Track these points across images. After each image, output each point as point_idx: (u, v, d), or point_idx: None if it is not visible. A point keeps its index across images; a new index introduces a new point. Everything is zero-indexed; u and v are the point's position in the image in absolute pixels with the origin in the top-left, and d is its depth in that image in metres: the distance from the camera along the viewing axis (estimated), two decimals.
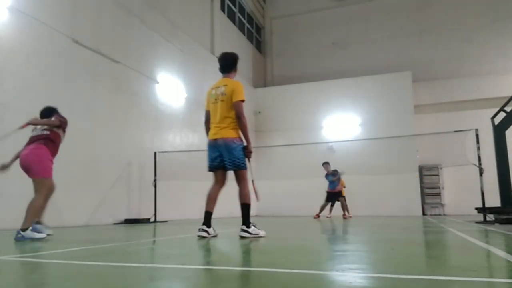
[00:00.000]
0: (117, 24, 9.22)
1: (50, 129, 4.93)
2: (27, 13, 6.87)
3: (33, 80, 6.97)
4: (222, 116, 4.22)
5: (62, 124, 5.06)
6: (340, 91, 16.34)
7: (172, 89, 11.25)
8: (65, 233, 5.66)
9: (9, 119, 6.47)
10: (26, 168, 4.65)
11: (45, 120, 4.95)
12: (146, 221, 9.05)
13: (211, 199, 4.34)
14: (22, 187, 6.55)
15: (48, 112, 5.24)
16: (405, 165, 13.65)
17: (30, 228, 4.38)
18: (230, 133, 4.18)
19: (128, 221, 8.74)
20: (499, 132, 8.18)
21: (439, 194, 15.60)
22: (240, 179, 4.22)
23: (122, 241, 4.33)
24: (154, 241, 4.22)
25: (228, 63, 4.56)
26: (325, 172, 11.47)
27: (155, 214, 9.44)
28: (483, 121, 9.22)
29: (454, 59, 16.43)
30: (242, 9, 17.89)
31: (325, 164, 11.52)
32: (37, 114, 6.96)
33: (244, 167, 4.22)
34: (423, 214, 15.06)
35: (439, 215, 14.92)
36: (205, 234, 4.18)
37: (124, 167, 9.13)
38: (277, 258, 2.75)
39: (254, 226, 4.20)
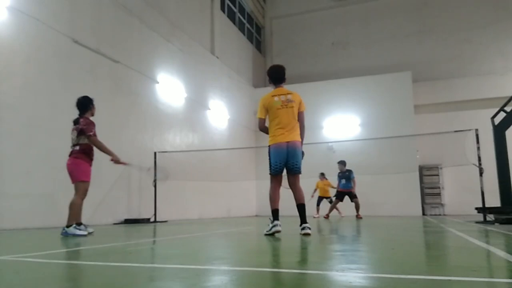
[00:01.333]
0: (117, 24, 9.22)
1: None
2: (27, 13, 6.87)
3: (33, 80, 6.97)
4: (293, 122, 4.54)
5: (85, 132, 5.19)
6: (340, 91, 16.34)
7: (172, 89, 11.25)
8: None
9: (9, 119, 6.48)
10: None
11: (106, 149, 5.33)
12: (146, 221, 9.05)
13: (277, 199, 4.63)
14: (23, 187, 6.58)
15: (84, 105, 5.31)
16: (405, 165, 13.65)
17: (73, 225, 4.98)
18: (299, 138, 4.57)
19: (128, 221, 8.74)
20: (499, 132, 8.18)
21: (439, 194, 15.61)
22: (298, 182, 4.63)
23: (122, 241, 4.33)
24: (154, 241, 4.22)
25: (281, 76, 4.95)
26: (338, 170, 11.46)
27: (155, 214, 9.44)
28: (483, 121, 9.22)
29: (454, 59, 16.43)
30: (242, 9, 17.89)
31: (340, 163, 11.44)
32: (37, 114, 6.98)
33: (301, 171, 4.65)
34: (423, 214, 15.06)
35: (439, 215, 14.92)
36: (308, 230, 4.32)
37: (124, 167, 9.12)
38: (277, 258, 2.75)
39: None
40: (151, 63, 10.47)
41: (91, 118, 5.30)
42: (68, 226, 4.93)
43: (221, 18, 15.15)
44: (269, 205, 4.53)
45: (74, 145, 5.20)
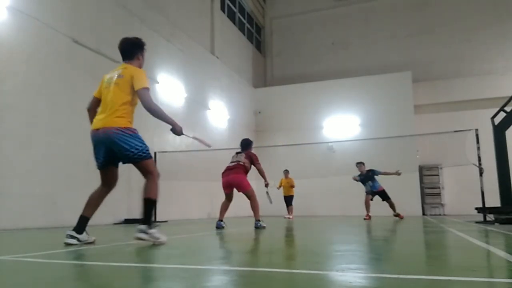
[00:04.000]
0: (117, 24, 9.22)
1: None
2: (27, 13, 6.87)
3: (33, 80, 6.97)
4: (110, 104, 3.71)
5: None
6: (340, 91, 16.35)
7: (172, 89, 11.25)
8: (65, 233, 5.66)
9: (9, 119, 6.48)
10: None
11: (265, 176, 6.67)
12: None
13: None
14: (23, 187, 6.58)
15: (246, 145, 6.71)
16: (405, 165, 13.63)
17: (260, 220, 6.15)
18: (115, 122, 3.66)
19: (128, 221, 8.74)
20: (499, 132, 8.18)
21: (439, 194, 15.61)
22: (145, 170, 3.92)
23: (122, 241, 4.33)
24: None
25: (124, 50, 4.12)
26: (358, 172, 10.87)
27: (155, 214, 9.44)
28: (483, 121, 9.22)
29: (454, 59, 16.43)
30: (242, 9, 17.89)
31: (359, 164, 10.83)
32: (37, 114, 6.98)
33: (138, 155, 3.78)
34: (423, 214, 15.06)
35: (439, 215, 14.93)
36: (141, 234, 3.60)
37: (124, 167, 9.11)
38: (277, 258, 2.75)
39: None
40: (151, 63, 10.46)
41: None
42: (258, 220, 6.16)
43: (221, 18, 15.15)
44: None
45: (237, 161, 6.45)
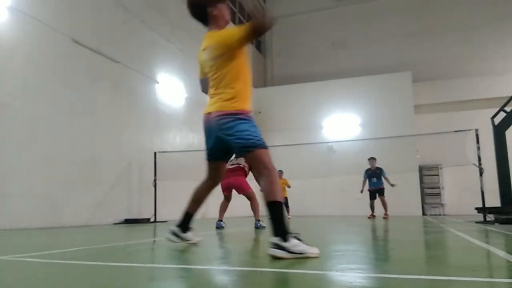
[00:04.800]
0: (117, 24, 9.22)
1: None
2: (27, 13, 6.87)
3: (33, 80, 6.97)
4: (212, 82, 2.97)
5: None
6: (340, 91, 16.35)
7: (172, 89, 11.24)
8: (65, 233, 5.66)
9: (9, 119, 6.48)
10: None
11: None
12: (146, 221, 9.05)
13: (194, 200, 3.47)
14: (23, 187, 6.57)
15: None
16: (405, 165, 13.64)
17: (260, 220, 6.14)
18: (223, 106, 2.84)
19: (128, 221, 8.74)
20: (499, 132, 8.18)
21: (439, 194, 15.61)
22: (259, 163, 2.83)
23: (122, 241, 4.33)
24: (154, 241, 4.22)
25: (195, 12, 3.10)
26: (368, 167, 11.04)
27: (155, 214, 9.44)
28: (483, 121, 9.22)
29: (454, 59, 16.43)
30: (242, 9, 17.89)
31: (372, 159, 11.03)
32: (37, 114, 6.98)
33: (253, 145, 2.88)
34: (423, 214, 15.06)
35: (439, 215, 14.92)
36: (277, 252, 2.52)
37: (124, 167, 9.13)
38: (277, 257, 2.75)
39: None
40: (151, 63, 10.47)
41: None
42: (258, 220, 6.21)
43: None
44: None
45: (237, 164, 6.49)
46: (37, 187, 6.83)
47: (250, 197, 6.31)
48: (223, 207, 6.50)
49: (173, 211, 10.72)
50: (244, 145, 2.71)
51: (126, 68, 9.28)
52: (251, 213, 6.37)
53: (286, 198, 11.97)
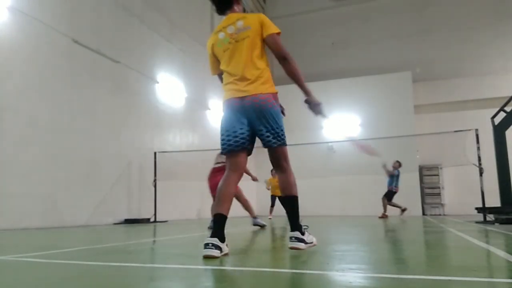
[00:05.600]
0: (117, 24, 9.22)
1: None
2: (27, 13, 6.87)
3: (33, 80, 6.97)
4: (248, 63, 2.86)
5: None
6: (340, 91, 16.34)
7: (172, 89, 11.25)
8: (65, 233, 5.66)
9: (9, 119, 6.48)
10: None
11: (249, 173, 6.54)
12: (146, 221, 9.05)
13: (222, 199, 2.93)
14: (23, 187, 6.57)
15: None
16: (405, 165, 13.63)
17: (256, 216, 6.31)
18: (264, 89, 2.83)
19: (128, 221, 8.74)
20: (499, 132, 8.18)
21: (439, 194, 15.60)
22: (282, 160, 2.92)
23: (122, 241, 4.33)
24: (154, 241, 4.22)
25: None
26: (393, 169, 11.71)
27: (155, 214, 9.44)
28: (483, 121, 9.21)
29: (454, 59, 16.42)
30: (242, 9, 17.89)
31: (398, 162, 11.74)
32: (37, 114, 6.98)
33: (282, 142, 2.88)
34: (423, 214, 15.05)
35: (439, 215, 14.92)
36: (296, 244, 2.70)
37: (124, 167, 9.13)
38: (277, 258, 2.75)
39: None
40: (151, 63, 10.47)
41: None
42: (254, 218, 6.29)
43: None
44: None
45: (220, 163, 6.37)
46: (37, 187, 6.83)
47: (237, 196, 6.15)
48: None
49: (173, 211, 10.75)
50: (277, 139, 2.76)
51: (126, 68, 9.28)
52: (240, 213, 6.39)
53: (274, 197, 11.91)
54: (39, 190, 6.87)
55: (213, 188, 6.25)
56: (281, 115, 2.88)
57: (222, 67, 2.96)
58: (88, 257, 2.73)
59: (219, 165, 6.36)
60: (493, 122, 8.32)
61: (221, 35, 2.94)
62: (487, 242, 3.61)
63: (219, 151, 5.61)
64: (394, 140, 12.88)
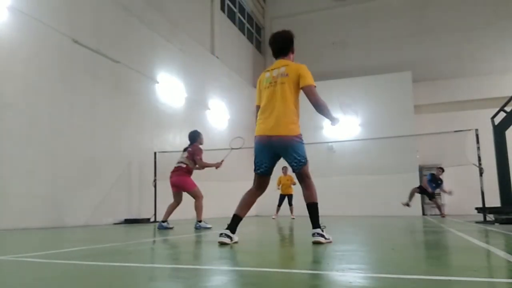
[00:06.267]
0: (117, 24, 9.22)
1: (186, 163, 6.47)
2: (27, 13, 6.87)
3: (33, 80, 6.97)
4: (279, 105, 3.45)
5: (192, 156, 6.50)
6: (340, 91, 16.34)
7: (172, 89, 11.25)
8: (65, 233, 5.66)
9: (9, 119, 6.48)
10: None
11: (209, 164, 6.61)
12: (146, 221, 9.05)
13: (244, 204, 3.73)
14: (23, 187, 6.58)
15: (193, 137, 6.71)
16: (405, 165, 13.65)
17: (202, 221, 6.28)
18: (290, 131, 3.47)
19: (128, 221, 8.74)
20: (499, 132, 8.18)
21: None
22: (305, 177, 3.61)
23: (122, 241, 4.33)
24: (154, 241, 4.22)
25: (281, 45, 3.73)
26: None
27: (155, 214, 9.44)
28: (483, 121, 9.22)
29: (454, 59, 16.43)
30: (242, 9, 17.89)
31: (441, 168, 12.31)
32: (37, 114, 6.98)
33: (304, 163, 3.59)
34: (423, 214, 15.06)
35: (439, 215, 14.91)
36: (319, 238, 3.46)
37: (124, 167, 9.13)
38: (277, 258, 2.75)
39: None
40: (151, 63, 10.47)
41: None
42: (200, 221, 6.32)
43: (221, 18, 15.14)
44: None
45: (180, 163, 6.48)
46: (37, 187, 6.83)
47: (194, 196, 6.39)
48: (170, 209, 6.54)
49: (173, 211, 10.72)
50: (300, 163, 3.47)
51: (126, 68, 9.28)
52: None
53: (291, 196, 11.83)
54: (39, 190, 6.87)
55: (171, 185, 6.50)
56: (303, 146, 3.57)
57: (261, 103, 3.58)
58: (88, 257, 2.73)
59: (177, 165, 6.51)
60: (493, 122, 8.32)
61: (267, 74, 3.61)
62: (487, 242, 3.61)
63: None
64: (394, 140, 12.89)
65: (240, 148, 6.18)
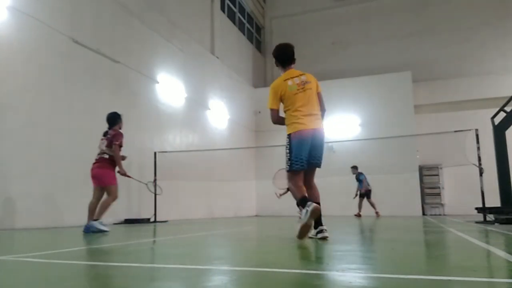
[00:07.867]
0: (117, 24, 9.22)
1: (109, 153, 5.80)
2: (27, 13, 6.87)
3: (33, 80, 6.97)
4: (315, 107, 4.09)
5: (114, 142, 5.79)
6: (340, 91, 16.33)
7: (172, 89, 11.25)
8: (65, 233, 5.67)
9: (9, 119, 6.48)
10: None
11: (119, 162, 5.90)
12: (146, 221, 9.05)
13: (304, 189, 4.05)
14: (23, 187, 6.57)
15: (113, 120, 6.02)
16: (405, 165, 13.65)
17: (99, 220, 5.53)
18: (323, 126, 4.11)
19: (128, 221, 8.74)
20: (499, 132, 8.18)
21: (439, 194, 15.60)
22: (313, 178, 4.25)
23: (122, 241, 4.33)
24: (154, 241, 4.22)
25: (290, 56, 4.30)
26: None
27: (155, 214, 9.44)
28: (483, 121, 9.21)
29: (454, 59, 16.43)
30: (242, 9, 17.89)
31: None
32: (37, 114, 6.98)
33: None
34: (423, 214, 15.06)
35: (439, 215, 14.92)
36: (326, 234, 3.98)
37: (124, 167, 9.11)
38: (277, 258, 2.75)
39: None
40: (151, 63, 10.47)
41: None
42: (96, 220, 5.53)
43: (221, 18, 15.14)
44: (293, 197, 4.01)
45: (102, 153, 5.82)
46: (37, 187, 6.83)
47: (108, 192, 5.69)
48: (91, 207, 5.77)
49: (173, 211, 10.74)
50: (322, 157, 4.07)
51: (126, 68, 9.28)
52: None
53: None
54: (39, 190, 6.87)
55: (91, 177, 5.84)
56: None
57: (295, 106, 4.02)
58: (88, 257, 2.73)
59: (98, 156, 5.84)
60: (493, 122, 8.32)
61: (289, 82, 4.11)
62: (487, 242, 3.61)
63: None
64: (394, 140, 12.88)
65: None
